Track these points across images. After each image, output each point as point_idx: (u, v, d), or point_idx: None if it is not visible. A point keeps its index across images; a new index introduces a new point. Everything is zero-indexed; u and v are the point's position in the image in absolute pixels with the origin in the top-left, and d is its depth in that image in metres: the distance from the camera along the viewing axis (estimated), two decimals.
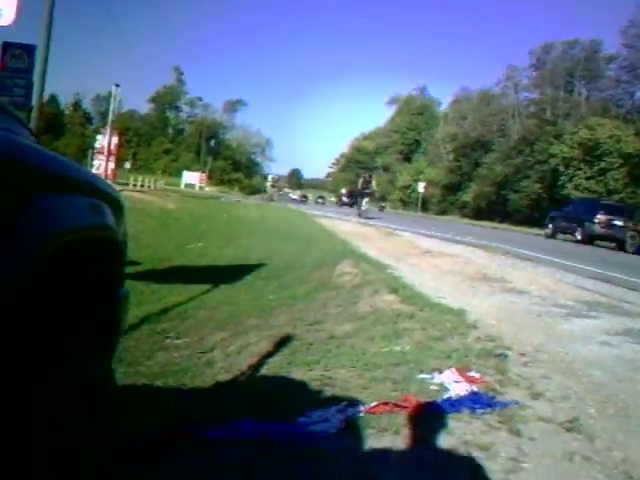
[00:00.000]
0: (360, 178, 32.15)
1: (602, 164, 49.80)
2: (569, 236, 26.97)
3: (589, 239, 25.43)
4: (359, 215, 28.29)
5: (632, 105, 59.79)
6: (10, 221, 1.07)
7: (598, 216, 24.92)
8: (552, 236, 28.49)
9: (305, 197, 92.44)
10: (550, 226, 29.60)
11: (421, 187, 63.71)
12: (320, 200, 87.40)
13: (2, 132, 1.27)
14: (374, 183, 32.79)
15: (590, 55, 65.28)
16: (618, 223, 24.47)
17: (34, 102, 13.58)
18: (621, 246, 24.08)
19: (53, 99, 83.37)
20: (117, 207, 1.78)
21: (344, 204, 67.36)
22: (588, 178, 50.32)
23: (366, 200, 29.78)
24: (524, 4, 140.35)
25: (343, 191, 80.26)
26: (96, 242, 1.57)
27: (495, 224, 46.19)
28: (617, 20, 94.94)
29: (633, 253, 22.40)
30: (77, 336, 1.54)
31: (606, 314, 6.81)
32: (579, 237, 25.85)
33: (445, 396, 3.59)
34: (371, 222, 24.01)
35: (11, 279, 1.06)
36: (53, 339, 1.38)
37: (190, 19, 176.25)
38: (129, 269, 9.14)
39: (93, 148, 38.17)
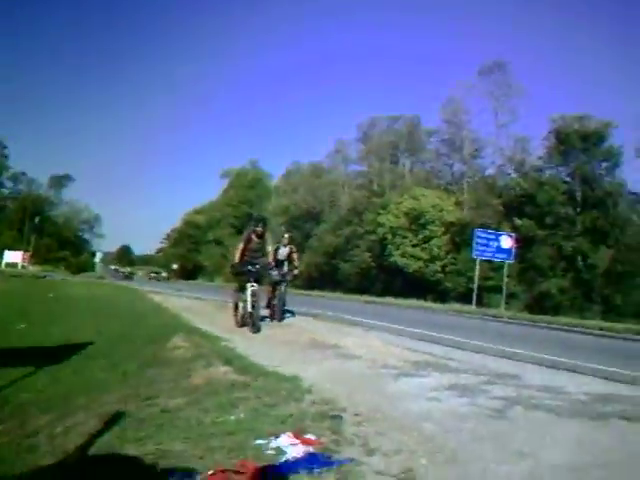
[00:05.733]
0: (268, 244, 12.44)
1: (426, 232, 52.74)
2: None
3: None
4: (271, 317, 13.82)
5: (452, 177, 64.08)
6: None
7: None
8: None
9: (119, 271, 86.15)
10: None
11: None
12: (153, 275, 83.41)
13: None
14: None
15: (412, 129, 69.69)
16: None
17: None
18: None
19: None
20: None
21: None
22: (414, 245, 52.90)
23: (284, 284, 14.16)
24: (353, 80, 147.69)
25: (174, 267, 79.10)
26: None
27: (326, 293, 46.98)
28: (439, 96, 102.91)
29: None
30: None
31: (433, 372, 7.15)
32: None
33: (282, 459, 3.58)
34: (205, 297, 23.27)
35: None
36: None
37: (12, 91, 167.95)
38: None
39: None
